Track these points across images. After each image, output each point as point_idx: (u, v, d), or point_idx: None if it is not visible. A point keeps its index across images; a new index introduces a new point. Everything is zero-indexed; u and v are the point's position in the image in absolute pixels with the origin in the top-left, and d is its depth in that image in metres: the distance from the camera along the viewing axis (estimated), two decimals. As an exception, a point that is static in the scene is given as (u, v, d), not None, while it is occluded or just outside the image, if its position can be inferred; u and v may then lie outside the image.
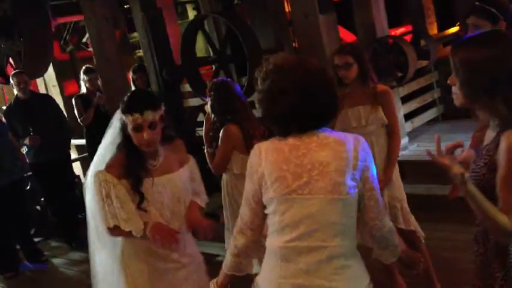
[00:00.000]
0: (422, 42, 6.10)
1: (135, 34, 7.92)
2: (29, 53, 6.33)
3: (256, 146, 1.93)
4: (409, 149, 5.73)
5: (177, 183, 2.57)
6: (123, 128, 2.49)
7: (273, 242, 1.89)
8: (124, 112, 2.45)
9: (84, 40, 7.84)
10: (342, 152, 1.82)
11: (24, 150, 5.75)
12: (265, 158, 1.87)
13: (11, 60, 6.79)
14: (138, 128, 2.43)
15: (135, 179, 2.46)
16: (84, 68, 6.25)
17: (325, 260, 1.80)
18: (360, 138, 1.89)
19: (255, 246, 2.00)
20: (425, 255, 3.26)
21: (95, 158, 2.66)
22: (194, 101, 6.61)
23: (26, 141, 5.52)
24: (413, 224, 3.22)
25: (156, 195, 2.50)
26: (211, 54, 6.69)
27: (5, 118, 5.75)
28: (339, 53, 3.26)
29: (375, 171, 1.89)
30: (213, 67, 6.68)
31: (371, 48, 5.23)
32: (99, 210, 2.47)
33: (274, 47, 6.41)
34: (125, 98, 2.49)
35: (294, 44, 6.49)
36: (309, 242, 1.81)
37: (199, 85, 5.98)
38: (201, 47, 8.31)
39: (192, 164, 2.72)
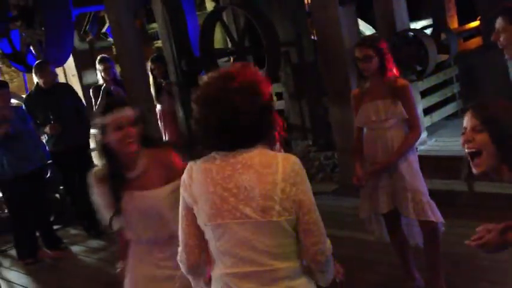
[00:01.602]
0: (443, 36, 6.04)
1: (154, 25, 7.94)
2: (50, 43, 6.40)
3: (189, 165, 1.86)
4: (427, 143, 5.70)
5: (151, 202, 2.40)
6: (101, 136, 2.43)
7: (215, 269, 1.83)
8: (103, 114, 2.40)
9: (103, 30, 7.88)
10: (267, 174, 1.71)
11: (44, 138, 5.82)
12: (195, 177, 1.81)
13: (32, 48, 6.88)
14: (119, 126, 2.37)
15: (112, 190, 2.40)
16: (98, 57, 6.31)
17: (269, 283, 1.73)
18: (291, 158, 1.77)
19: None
20: (437, 250, 3.25)
21: None
22: (212, 92, 6.62)
23: (47, 129, 5.59)
24: (435, 216, 3.20)
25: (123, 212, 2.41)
26: (230, 45, 6.70)
27: (26, 106, 5.83)
28: (359, 45, 3.24)
29: (309, 192, 1.76)
30: (231, 59, 6.69)
31: (391, 42, 5.19)
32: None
33: (292, 39, 6.40)
34: (101, 105, 2.52)
35: (312, 37, 6.48)
36: (249, 267, 1.73)
37: (218, 76, 5.99)
38: (218, 39, 8.31)
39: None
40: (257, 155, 1.75)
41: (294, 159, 1.76)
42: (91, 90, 6.24)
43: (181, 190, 1.85)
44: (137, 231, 2.47)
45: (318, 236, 1.76)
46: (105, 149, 2.43)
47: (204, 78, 1.86)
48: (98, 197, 2.44)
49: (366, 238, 3.88)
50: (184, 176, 1.85)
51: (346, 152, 5.20)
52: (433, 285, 3.33)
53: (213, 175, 1.76)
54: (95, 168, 2.50)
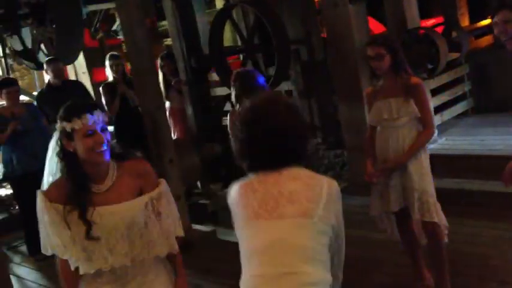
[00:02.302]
0: (454, 34, 6.00)
1: (164, 22, 7.96)
2: (61, 40, 6.43)
3: (235, 184, 1.89)
4: (438, 142, 5.67)
5: (121, 218, 2.11)
6: (63, 144, 2.11)
7: (243, 274, 1.80)
8: (69, 118, 2.06)
9: (113, 28, 7.92)
10: (315, 185, 1.77)
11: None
12: (235, 195, 1.86)
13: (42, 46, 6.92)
14: (90, 132, 2.06)
15: (78, 205, 2.07)
16: (108, 55, 6.34)
17: (295, 287, 1.70)
18: (334, 182, 1.83)
19: None
20: (441, 251, 3.23)
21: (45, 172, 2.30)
22: (221, 90, 6.64)
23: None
24: (438, 217, 3.19)
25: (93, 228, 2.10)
26: (239, 43, 6.70)
27: (37, 103, 5.87)
28: (371, 44, 3.23)
29: (342, 220, 1.83)
30: (241, 57, 6.69)
31: (401, 40, 5.17)
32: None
33: (302, 37, 6.39)
34: (64, 108, 2.13)
35: (322, 35, 6.46)
36: (278, 268, 1.70)
37: (227, 74, 6.00)
38: (228, 36, 8.31)
39: (158, 194, 2.21)
40: (302, 171, 1.81)
41: (337, 184, 1.82)
42: (101, 88, 6.26)
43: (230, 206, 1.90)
44: (102, 258, 2.10)
45: (338, 264, 1.85)
46: (69, 159, 2.09)
47: (248, 101, 1.90)
48: (51, 220, 2.07)
49: (375, 237, 3.88)
50: (230, 192, 1.89)
51: (356, 150, 5.19)
52: (439, 285, 3.31)
53: (254, 186, 1.80)
54: (40, 191, 2.13)
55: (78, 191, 2.08)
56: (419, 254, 3.43)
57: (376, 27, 7.41)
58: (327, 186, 1.77)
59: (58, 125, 2.12)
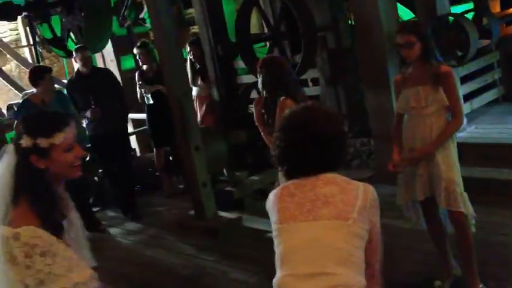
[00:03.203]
0: (484, 21, 5.88)
1: (191, 10, 7.97)
2: (90, 28, 6.51)
3: (272, 192, 1.97)
4: (467, 130, 5.59)
5: None
6: (28, 162, 1.80)
7: (279, 272, 1.83)
8: (48, 133, 1.81)
9: (141, 16, 7.95)
10: (351, 189, 1.83)
11: (84, 122, 5.95)
12: (274, 196, 1.92)
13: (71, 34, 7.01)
14: (70, 147, 1.85)
15: (54, 227, 1.79)
16: (139, 42, 6.49)
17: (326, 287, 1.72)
18: (370, 186, 1.88)
19: None
20: (468, 240, 3.19)
21: None
22: (248, 78, 6.64)
23: (87, 113, 5.71)
24: (465, 207, 3.15)
25: None
26: (266, 30, 6.68)
27: (67, 91, 5.97)
28: (401, 31, 3.18)
29: (379, 221, 1.88)
30: (267, 44, 6.67)
31: (431, 27, 5.09)
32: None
33: (329, 24, 6.34)
34: (37, 122, 1.88)
35: (349, 21, 6.40)
36: (310, 268, 1.74)
37: (253, 62, 6.00)
38: (254, 23, 8.28)
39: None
40: (338, 177, 1.87)
41: (373, 188, 1.87)
42: (136, 74, 6.41)
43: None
44: None
45: (379, 255, 1.89)
46: (37, 179, 1.80)
47: (288, 110, 2.01)
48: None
49: (402, 225, 3.86)
50: (269, 198, 1.95)
51: (382, 138, 5.14)
52: (467, 275, 3.29)
53: (291, 189, 1.87)
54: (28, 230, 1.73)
55: (54, 212, 1.81)
56: (446, 243, 3.40)
57: (404, 13, 7.30)
58: (363, 191, 1.82)
59: (24, 141, 1.80)
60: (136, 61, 7.17)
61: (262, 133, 3.85)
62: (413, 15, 6.55)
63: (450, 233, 3.36)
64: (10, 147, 1.85)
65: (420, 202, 3.33)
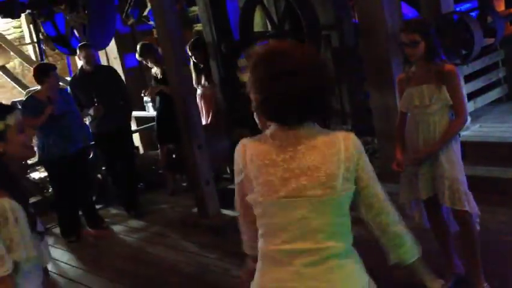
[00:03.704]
0: (489, 19, 5.86)
1: (194, 8, 7.97)
2: (93, 26, 6.51)
3: (241, 145, 1.84)
4: (470, 129, 5.57)
5: None
6: None
7: (263, 245, 1.82)
8: (1, 116, 2.04)
9: (145, 13, 7.96)
10: (332, 155, 1.73)
11: (87, 120, 5.96)
12: (250, 160, 1.79)
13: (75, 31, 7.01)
14: (22, 129, 2.09)
15: (20, 199, 2.01)
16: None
17: (319, 261, 1.73)
18: (351, 136, 1.79)
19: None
20: (473, 239, 3.18)
21: None
22: (251, 76, 6.63)
23: (91, 111, 5.71)
24: (470, 206, 3.14)
25: None
26: (269, 29, 6.67)
27: (70, 88, 5.97)
28: (405, 30, 3.17)
29: (370, 167, 1.82)
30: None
31: (435, 25, 5.07)
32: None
33: (333, 23, 6.32)
34: None
35: (354, 20, 6.38)
36: (303, 245, 1.73)
37: (257, 60, 5.98)
38: (257, 22, 8.28)
39: None
40: (318, 135, 1.76)
41: (353, 138, 1.79)
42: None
43: (236, 169, 1.87)
44: None
45: (378, 208, 1.83)
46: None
47: (269, 45, 1.84)
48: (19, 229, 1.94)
49: (405, 224, 3.84)
50: (237, 157, 1.85)
51: (386, 137, 5.13)
52: (471, 274, 3.28)
53: (273, 157, 1.75)
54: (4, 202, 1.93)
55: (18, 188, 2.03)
56: (450, 242, 3.40)
57: (409, 12, 7.28)
58: (344, 149, 1.74)
59: None
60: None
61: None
62: (418, 14, 6.54)
63: (454, 232, 3.35)
64: None
65: (423, 201, 3.32)
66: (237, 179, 1.90)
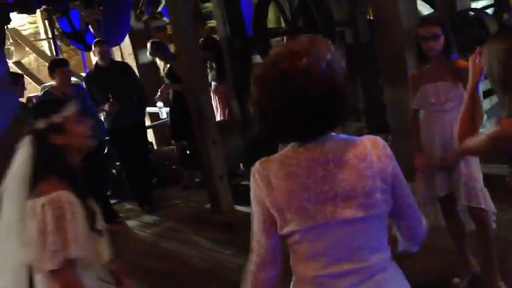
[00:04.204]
0: (505, 16, 5.80)
1: (208, 4, 7.98)
2: (108, 22, 6.55)
3: (260, 169, 1.63)
4: (486, 127, 5.52)
5: None
6: (47, 141, 2.04)
7: (302, 271, 1.67)
8: (57, 109, 2.09)
9: (158, 10, 7.99)
10: (366, 169, 1.57)
11: (102, 115, 6.00)
12: (277, 186, 1.59)
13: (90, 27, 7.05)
14: (79, 120, 2.12)
15: (80, 195, 2.03)
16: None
17: (366, 278, 1.63)
18: (378, 141, 1.63)
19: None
20: (489, 238, 3.16)
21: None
22: (265, 72, 6.62)
23: (106, 107, 5.75)
24: (486, 203, 3.12)
25: None
26: (283, 25, 6.65)
27: (85, 84, 6.02)
28: (426, 24, 3.13)
29: (400, 173, 1.66)
30: (285, 39, 6.65)
31: (451, 22, 5.03)
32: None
33: (348, 19, 6.30)
34: (42, 105, 2.24)
35: (368, 16, 6.35)
36: (348, 266, 1.62)
37: (271, 56, 5.97)
38: (270, 18, 8.27)
39: None
40: (347, 147, 1.59)
41: (382, 144, 1.64)
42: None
43: (257, 198, 1.66)
44: None
45: (415, 219, 1.73)
46: (58, 155, 2.01)
47: (270, 54, 1.61)
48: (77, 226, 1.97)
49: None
50: (258, 183, 1.63)
51: (401, 134, 5.11)
52: (487, 273, 3.26)
53: (302, 180, 1.58)
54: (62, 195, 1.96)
55: (79, 184, 2.03)
56: (465, 240, 3.38)
57: (424, 8, 7.23)
58: (376, 160, 1.59)
59: (40, 124, 2.04)
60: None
61: None
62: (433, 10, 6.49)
63: (469, 230, 3.33)
64: (27, 138, 2.03)
65: (439, 199, 3.31)
66: (257, 209, 1.67)
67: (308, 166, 1.58)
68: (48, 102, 2.26)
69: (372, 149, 1.60)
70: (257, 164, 1.66)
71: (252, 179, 1.66)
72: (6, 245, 2.04)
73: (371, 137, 1.66)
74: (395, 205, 1.65)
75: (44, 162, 2.00)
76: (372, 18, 5.90)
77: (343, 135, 1.65)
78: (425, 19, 3.27)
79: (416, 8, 5.33)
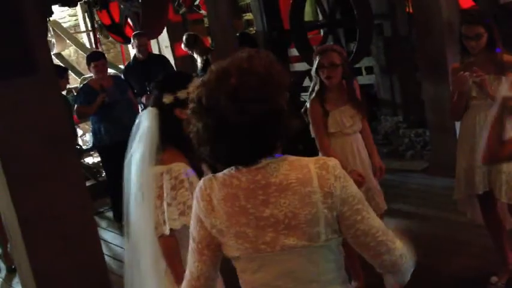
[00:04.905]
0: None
1: (245, -3, 8.01)
2: (147, 15, 6.63)
3: (202, 187, 1.51)
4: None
5: None
6: (174, 116, 2.18)
7: None
8: (184, 85, 2.20)
9: (196, 3, 8.04)
10: (310, 194, 1.42)
11: (140, 108, 6.08)
12: (217, 206, 1.48)
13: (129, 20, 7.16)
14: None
15: (196, 168, 2.17)
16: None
17: None
18: (328, 162, 1.46)
19: None
20: None
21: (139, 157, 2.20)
22: (301, 66, 6.61)
23: (143, 99, 5.83)
24: None
25: None
26: (320, 18, 6.62)
27: (124, 76, 6.10)
28: (469, 23, 3.07)
29: (355, 195, 1.46)
30: (321, 32, 6.61)
31: (493, 15, 4.91)
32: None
33: (386, 12, 6.22)
34: (168, 80, 2.34)
35: (407, 9, 6.26)
36: None
37: (307, 50, 5.96)
38: (307, 11, 8.23)
39: None
40: (290, 170, 1.45)
41: (330, 164, 1.46)
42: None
43: (197, 216, 1.53)
44: None
45: (376, 248, 1.48)
46: (183, 130, 1.97)
47: (203, 78, 1.51)
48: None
49: (458, 219, 3.77)
50: (199, 202, 1.51)
51: (439, 129, 5.03)
52: None
53: (242, 203, 1.46)
54: (181, 166, 2.14)
55: (196, 158, 2.10)
56: (504, 238, 3.31)
57: (465, 1, 7.08)
58: (319, 185, 1.43)
59: (166, 99, 2.19)
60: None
61: (316, 134, 3.41)
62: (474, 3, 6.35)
63: (509, 228, 3.27)
64: (152, 110, 2.21)
65: (478, 196, 3.25)
66: (193, 227, 1.54)
67: (248, 188, 1.46)
68: (175, 77, 2.41)
69: (314, 170, 1.45)
70: (201, 181, 1.54)
71: (194, 195, 1.56)
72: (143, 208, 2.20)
73: (319, 158, 1.50)
74: (348, 233, 1.48)
75: (168, 135, 2.18)
76: (410, 11, 5.81)
77: (289, 156, 1.50)
78: (468, 17, 3.18)
79: (458, 1, 5.23)
